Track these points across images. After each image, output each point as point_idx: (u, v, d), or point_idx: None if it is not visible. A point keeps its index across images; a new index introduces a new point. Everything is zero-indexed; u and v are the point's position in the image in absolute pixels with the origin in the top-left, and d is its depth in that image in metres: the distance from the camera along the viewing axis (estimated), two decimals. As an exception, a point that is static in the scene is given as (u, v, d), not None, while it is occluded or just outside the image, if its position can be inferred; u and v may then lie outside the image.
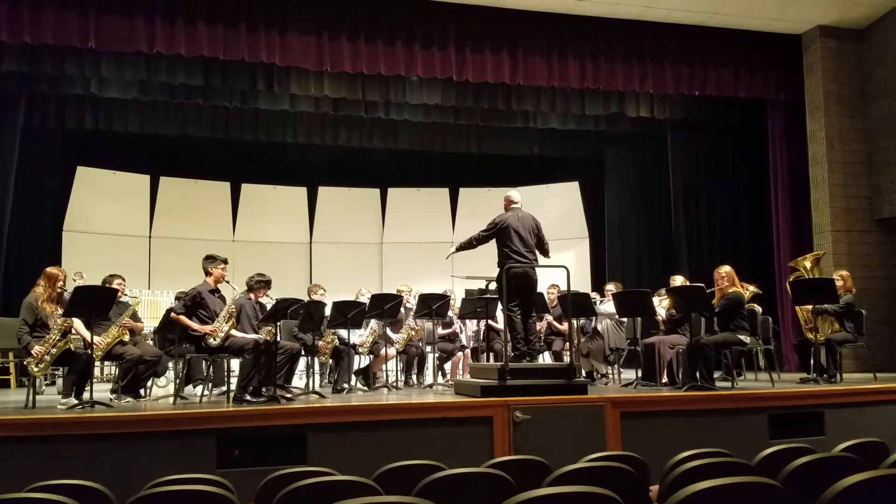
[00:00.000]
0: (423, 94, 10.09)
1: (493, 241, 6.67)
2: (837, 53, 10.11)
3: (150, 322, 9.63)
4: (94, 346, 6.22)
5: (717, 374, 7.30)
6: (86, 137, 11.28)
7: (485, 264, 8.44)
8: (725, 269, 7.19)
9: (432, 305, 8.01)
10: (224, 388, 6.93)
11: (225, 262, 6.76)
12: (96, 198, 11.79)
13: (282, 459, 4.81)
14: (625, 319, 8.42)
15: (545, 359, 8.64)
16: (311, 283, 10.38)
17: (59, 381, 7.50)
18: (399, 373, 8.66)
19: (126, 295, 7.48)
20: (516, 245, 6.53)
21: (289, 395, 6.53)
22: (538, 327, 7.90)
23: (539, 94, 10.42)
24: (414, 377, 8.70)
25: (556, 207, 12.79)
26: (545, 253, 6.78)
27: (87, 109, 10.53)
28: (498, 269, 6.57)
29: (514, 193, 6.93)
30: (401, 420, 5.51)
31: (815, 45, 10.14)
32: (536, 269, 6.65)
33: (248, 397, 6.11)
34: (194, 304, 6.44)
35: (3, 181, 9.47)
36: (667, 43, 9.84)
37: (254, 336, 6.53)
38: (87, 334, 6.22)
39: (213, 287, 6.63)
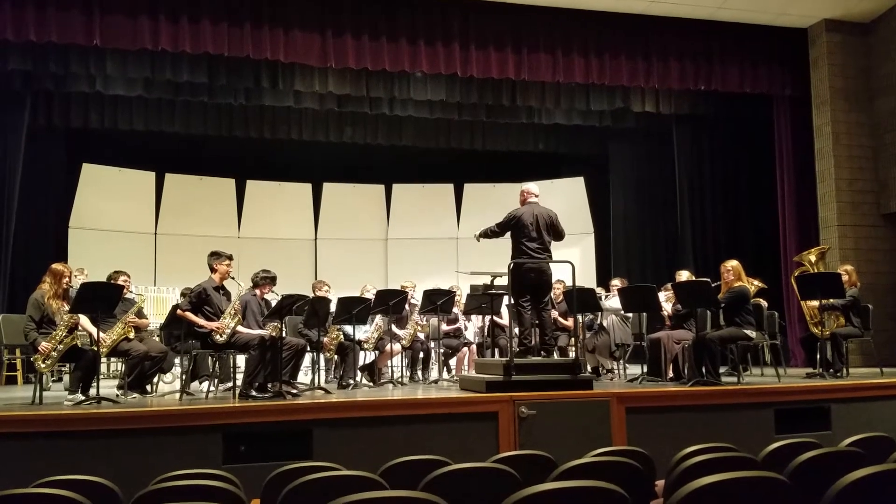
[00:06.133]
0: (428, 90, 10.09)
1: (509, 234, 6.67)
2: (843, 48, 10.07)
3: (155, 318, 9.66)
4: (101, 343, 6.24)
5: (722, 370, 7.29)
6: (91, 135, 11.30)
7: (490, 260, 8.45)
8: (732, 263, 7.17)
9: (437, 301, 8.00)
10: (230, 384, 6.96)
11: (230, 258, 6.77)
12: (102, 195, 11.81)
13: (287, 455, 4.82)
14: (630, 315, 8.41)
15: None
16: (316, 279, 10.39)
17: (66, 378, 7.52)
18: (404, 368, 8.67)
19: (132, 292, 7.50)
20: (530, 241, 6.52)
21: (294, 391, 6.54)
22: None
23: (544, 90, 10.40)
24: (419, 373, 8.71)
25: (561, 203, 12.70)
26: (558, 237, 6.74)
27: (92, 107, 10.54)
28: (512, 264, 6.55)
29: (533, 186, 6.91)
30: (406, 415, 5.51)
31: (820, 39, 10.10)
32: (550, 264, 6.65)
33: (254, 393, 6.12)
34: (200, 300, 6.46)
35: (9, 179, 9.50)
36: (672, 38, 9.81)
37: (259, 332, 6.54)
38: (93, 330, 6.24)
39: (218, 283, 6.64)
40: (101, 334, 6.26)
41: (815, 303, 7.69)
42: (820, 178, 10.14)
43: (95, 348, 6.16)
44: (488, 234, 6.80)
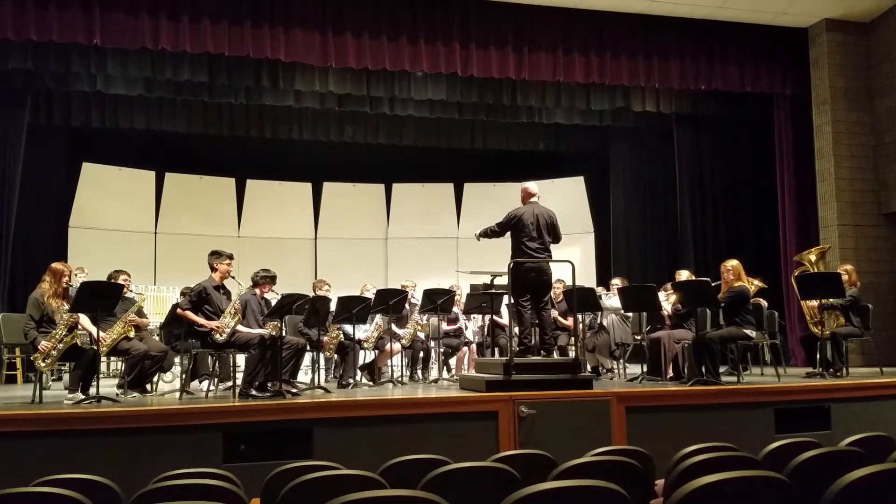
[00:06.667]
0: (428, 90, 10.09)
1: (508, 233, 6.67)
2: (843, 47, 10.06)
3: (155, 318, 9.65)
4: (101, 342, 6.24)
5: (722, 369, 7.29)
6: (91, 134, 11.29)
7: (490, 259, 8.45)
8: (732, 262, 7.17)
9: (437, 301, 8.00)
10: (230, 384, 6.96)
11: (230, 257, 6.77)
12: (102, 194, 11.81)
13: (288, 454, 4.82)
14: (630, 314, 8.41)
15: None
16: (316, 278, 10.39)
17: (66, 377, 7.51)
18: (404, 368, 8.67)
19: (132, 291, 7.50)
20: (530, 241, 6.52)
21: (294, 390, 6.54)
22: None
23: (544, 89, 10.40)
24: (419, 372, 8.71)
25: (562, 202, 12.73)
26: (556, 240, 6.76)
27: (92, 106, 10.53)
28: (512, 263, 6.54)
29: (532, 185, 6.90)
30: (406, 415, 5.51)
31: (821, 38, 10.10)
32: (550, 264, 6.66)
33: (254, 392, 6.12)
34: (200, 299, 6.46)
35: (9, 178, 9.49)
36: (673, 37, 9.80)
37: (259, 331, 6.54)
38: (93, 329, 6.24)
39: (218, 283, 6.64)
40: (101, 333, 6.26)
41: (815, 302, 7.69)
42: (820, 178, 10.14)
43: (95, 347, 6.16)
44: (488, 233, 6.81)
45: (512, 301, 6.64)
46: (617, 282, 8.89)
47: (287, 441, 5.23)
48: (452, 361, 9.27)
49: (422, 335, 8.72)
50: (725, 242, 11.26)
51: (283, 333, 6.63)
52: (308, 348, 7.36)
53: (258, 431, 5.21)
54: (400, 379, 8.14)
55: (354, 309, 7.35)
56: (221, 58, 8.92)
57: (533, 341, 6.83)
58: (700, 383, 6.51)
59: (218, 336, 6.31)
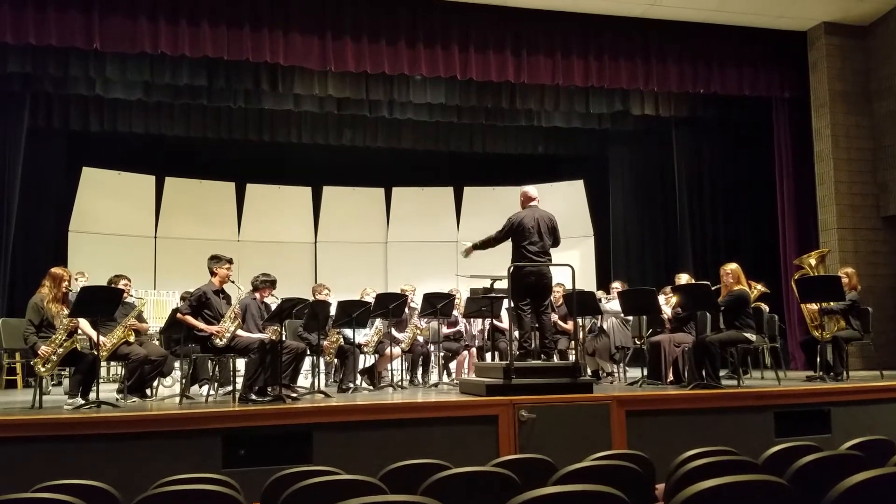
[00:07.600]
0: (427, 94, 10.08)
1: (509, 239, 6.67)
2: (842, 50, 10.07)
3: (155, 322, 9.65)
4: (100, 346, 6.23)
5: (722, 373, 7.29)
6: (91, 138, 11.29)
7: (490, 263, 8.45)
8: (732, 266, 7.17)
9: (437, 304, 8.00)
10: (230, 388, 6.95)
11: (230, 262, 6.77)
12: (102, 198, 11.82)
13: (287, 459, 4.82)
14: (630, 318, 8.41)
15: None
16: (315, 282, 10.38)
17: (66, 382, 7.51)
18: (404, 372, 8.67)
19: (132, 296, 7.50)
20: (531, 245, 6.52)
21: (294, 395, 6.53)
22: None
23: (543, 93, 10.39)
24: (419, 376, 8.71)
25: (561, 206, 12.71)
26: (555, 243, 6.75)
27: (91, 110, 10.52)
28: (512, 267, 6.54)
29: (532, 189, 6.90)
30: (406, 419, 5.51)
31: (819, 42, 10.11)
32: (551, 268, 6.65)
33: (254, 397, 6.12)
34: (200, 304, 6.46)
35: (8, 182, 9.49)
36: (671, 40, 9.81)
37: (259, 336, 6.54)
38: (93, 334, 6.24)
39: (218, 287, 6.63)
40: (101, 338, 6.25)
41: (815, 306, 7.68)
42: (819, 181, 10.15)
43: (95, 352, 6.15)
44: (488, 243, 6.76)
45: (512, 305, 6.64)
46: (617, 285, 8.91)
47: (287, 446, 5.23)
48: (452, 365, 9.27)
49: (421, 339, 8.71)
50: (725, 245, 11.26)
51: (283, 338, 6.62)
52: (308, 353, 7.35)
53: (258, 436, 5.20)
54: (400, 383, 8.13)
55: (354, 313, 7.35)
56: (220, 61, 8.93)
57: (533, 345, 6.82)
58: (700, 387, 6.51)
59: (218, 340, 6.31)
